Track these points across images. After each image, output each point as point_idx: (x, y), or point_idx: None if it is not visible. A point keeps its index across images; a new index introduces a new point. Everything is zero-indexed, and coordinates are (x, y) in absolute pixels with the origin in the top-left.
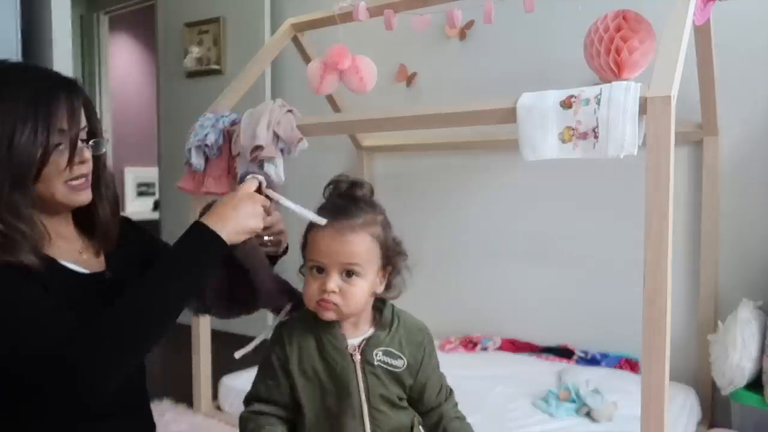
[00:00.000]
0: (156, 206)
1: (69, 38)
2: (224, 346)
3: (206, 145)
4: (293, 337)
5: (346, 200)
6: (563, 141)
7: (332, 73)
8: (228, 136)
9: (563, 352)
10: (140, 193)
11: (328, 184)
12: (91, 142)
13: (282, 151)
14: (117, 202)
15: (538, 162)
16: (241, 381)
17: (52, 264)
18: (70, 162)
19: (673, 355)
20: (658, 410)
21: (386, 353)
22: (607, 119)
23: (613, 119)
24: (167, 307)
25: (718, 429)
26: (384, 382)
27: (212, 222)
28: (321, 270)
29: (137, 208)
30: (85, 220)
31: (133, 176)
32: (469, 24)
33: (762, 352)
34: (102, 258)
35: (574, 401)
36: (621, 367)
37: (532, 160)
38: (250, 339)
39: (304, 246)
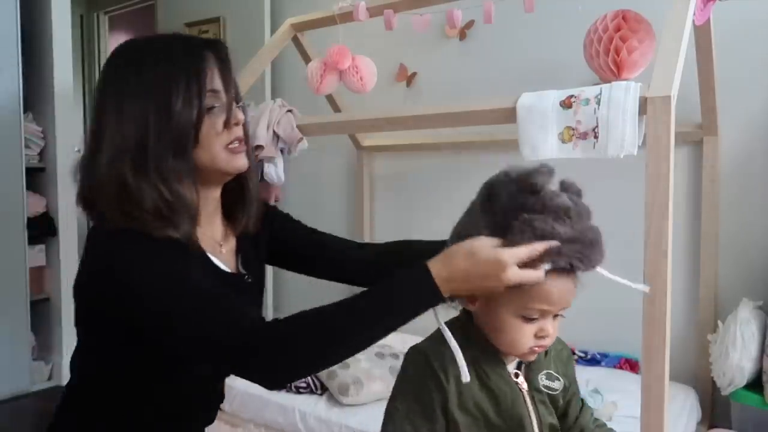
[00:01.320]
0: None
1: (69, 38)
2: None
3: None
4: (449, 370)
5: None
6: (563, 141)
7: (332, 73)
8: None
9: None
10: None
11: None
12: (240, 104)
13: (282, 151)
14: (258, 167)
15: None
16: (241, 381)
17: (203, 255)
18: (227, 123)
19: (673, 355)
20: (658, 410)
21: (548, 376)
22: (607, 119)
23: (613, 119)
24: (361, 340)
25: (718, 429)
26: (550, 410)
27: (440, 274)
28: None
29: None
30: (231, 197)
31: None
32: (469, 24)
33: (762, 352)
34: (233, 244)
35: None
36: (621, 367)
37: (532, 160)
38: None
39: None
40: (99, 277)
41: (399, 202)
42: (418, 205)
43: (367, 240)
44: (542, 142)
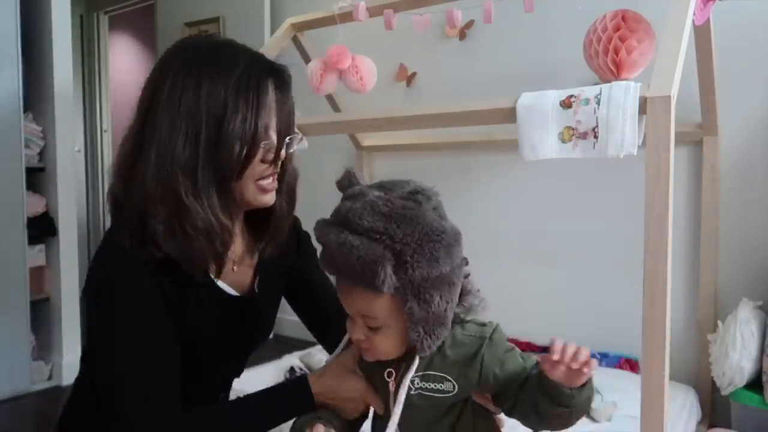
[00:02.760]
0: None
1: (69, 38)
2: None
3: None
4: None
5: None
6: (563, 141)
7: (332, 73)
8: None
9: None
10: None
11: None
12: (288, 139)
13: None
14: (294, 197)
15: (537, 162)
16: (240, 381)
17: (211, 282)
18: (275, 161)
19: (673, 355)
20: (658, 410)
21: (425, 378)
22: (607, 119)
23: (613, 119)
24: None
25: (718, 429)
26: (426, 413)
27: (316, 387)
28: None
29: None
30: (256, 215)
31: None
32: (469, 24)
33: (762, 352)
34: (254, 263)
35: None
36: (621, 367)
37: (532, 160)
38: None
39: None
40: (93, 283)
41: None
42: None
43: None
44: (542, 142)
